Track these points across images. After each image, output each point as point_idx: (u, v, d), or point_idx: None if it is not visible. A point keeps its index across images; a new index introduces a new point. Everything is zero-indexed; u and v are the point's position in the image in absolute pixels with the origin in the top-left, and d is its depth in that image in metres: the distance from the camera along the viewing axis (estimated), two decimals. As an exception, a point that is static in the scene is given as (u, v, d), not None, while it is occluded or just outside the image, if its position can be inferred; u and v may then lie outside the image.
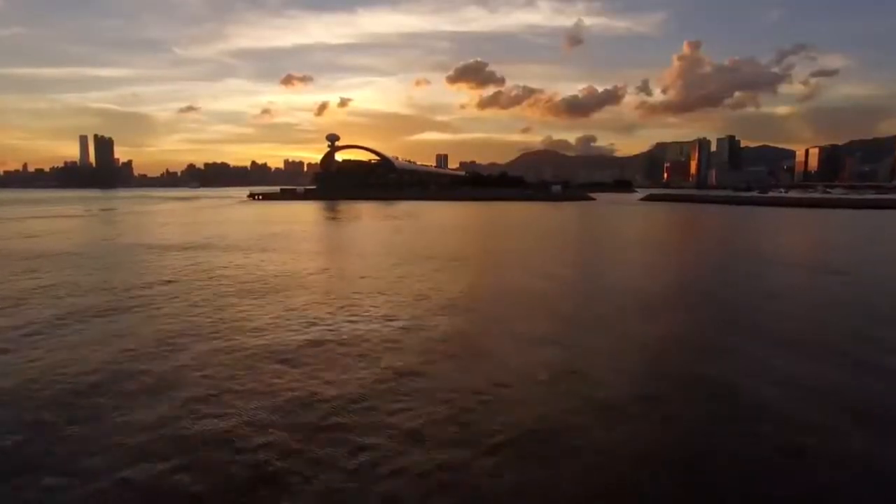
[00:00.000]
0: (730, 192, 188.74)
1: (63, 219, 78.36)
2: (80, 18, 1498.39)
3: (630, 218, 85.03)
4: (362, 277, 27.01)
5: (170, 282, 25.64)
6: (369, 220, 76.23)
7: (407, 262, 32.03)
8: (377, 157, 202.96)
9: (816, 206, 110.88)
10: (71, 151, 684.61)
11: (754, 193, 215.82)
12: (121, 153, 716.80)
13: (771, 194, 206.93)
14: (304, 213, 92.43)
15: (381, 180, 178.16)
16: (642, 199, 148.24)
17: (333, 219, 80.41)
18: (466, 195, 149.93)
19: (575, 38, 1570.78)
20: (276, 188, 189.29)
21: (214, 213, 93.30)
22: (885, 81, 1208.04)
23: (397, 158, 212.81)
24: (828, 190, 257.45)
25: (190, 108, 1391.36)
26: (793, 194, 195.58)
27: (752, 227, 65.73)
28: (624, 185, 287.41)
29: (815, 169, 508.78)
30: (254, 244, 41.99)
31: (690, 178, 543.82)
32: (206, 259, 33.52)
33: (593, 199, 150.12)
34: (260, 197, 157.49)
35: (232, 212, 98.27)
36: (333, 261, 34.37)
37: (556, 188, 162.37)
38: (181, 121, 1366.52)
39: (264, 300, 21.66)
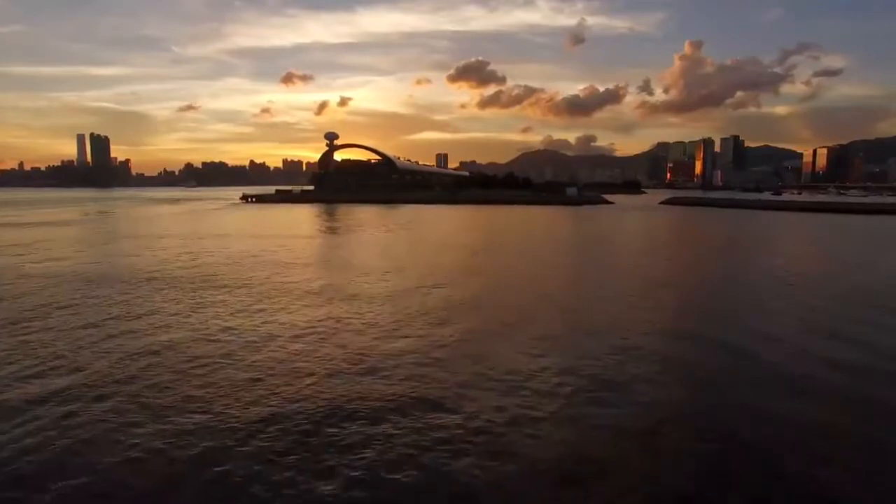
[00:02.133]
0: (755, 195, 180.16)
1: (27, 229, 68.70)
2: (78, 17, 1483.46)
3: (685, 227, 76.44)
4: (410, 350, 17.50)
5: (103, 377, 16.15)
6: (376, 230, 66.39)
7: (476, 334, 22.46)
8: (378, 157, 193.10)
9: (850, 212, 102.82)
10: (69, 150, 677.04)
11: (768, 195, 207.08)
12: (119, 152, 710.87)
13: (785, 196, 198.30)
14: (300, 221, 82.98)
15: (382, 181, 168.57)
16: (662, 203, 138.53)
17: (333, 230, 70.74)
18: (473, 197, 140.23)
19: (577, 36, 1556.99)
20: (272, 189, 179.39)
21: (200, 223, 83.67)
22: (886, 81, 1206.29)
23: (398, 158, 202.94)
24: (842, 192, 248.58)
25: (189, 107, 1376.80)
26: (805, 196, 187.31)
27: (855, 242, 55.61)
28: (633, 187, 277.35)
29: (824, 169, 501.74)
30: (233, 279, 32.53)
31: (695, 179, 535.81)
32: (170, 316, 24.09)
33: (611, 202, 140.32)
34: (253, 199, 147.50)
35: (220, 219, 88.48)
36: (347, 314, 24.77)
37: (572, 190, 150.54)
38: (180, 120, 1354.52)
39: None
